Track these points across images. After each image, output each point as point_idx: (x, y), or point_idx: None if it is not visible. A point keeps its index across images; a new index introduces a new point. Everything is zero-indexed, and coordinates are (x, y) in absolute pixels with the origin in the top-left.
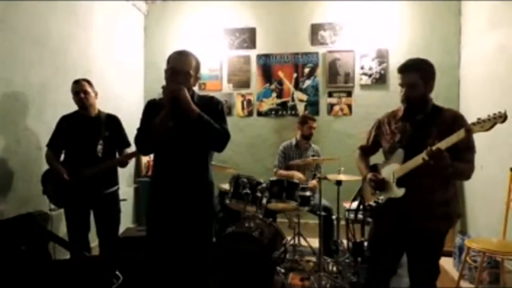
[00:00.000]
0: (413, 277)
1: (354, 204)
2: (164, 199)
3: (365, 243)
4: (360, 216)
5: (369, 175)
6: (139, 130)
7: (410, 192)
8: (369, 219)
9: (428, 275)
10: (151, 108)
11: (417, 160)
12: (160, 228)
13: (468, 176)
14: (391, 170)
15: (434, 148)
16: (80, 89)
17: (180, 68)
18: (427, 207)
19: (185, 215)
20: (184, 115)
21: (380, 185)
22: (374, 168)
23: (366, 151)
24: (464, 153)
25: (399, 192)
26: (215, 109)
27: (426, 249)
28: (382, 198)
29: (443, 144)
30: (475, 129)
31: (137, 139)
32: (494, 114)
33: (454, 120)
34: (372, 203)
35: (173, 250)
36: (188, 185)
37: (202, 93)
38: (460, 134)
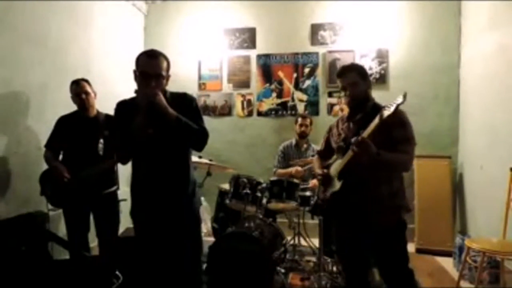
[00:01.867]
0: (384, 279)
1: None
2: (146, 203)
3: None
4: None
5: (317, 171)
6: (115, 137)
7: (356, 188)
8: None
9: (396, 275)
10: (122, 110)
11: (349, 152)
12: (147, 232)
13: (405, 167)
14: (335, 166)
15: (357, 137)
16: (81, 90)
17: (152, 71)
18: (373, 202)
19: (169, 217)
20: (161, 119)
21: (326, 180)
22: (327, 167)
23: (322, 155)
24: (400, 145)
25: (337, 185)
26: (189, 106)
27: (384, 245)
28: (327, 194)
29: (365, 133)
30: (385, 113)
31: (115, 148)
32: (397, 99)
33: (391, 116)
34: (319, 201)
35: (162, 254)
36: (170, 187)
37: (202, 93)
38: (375, 121)
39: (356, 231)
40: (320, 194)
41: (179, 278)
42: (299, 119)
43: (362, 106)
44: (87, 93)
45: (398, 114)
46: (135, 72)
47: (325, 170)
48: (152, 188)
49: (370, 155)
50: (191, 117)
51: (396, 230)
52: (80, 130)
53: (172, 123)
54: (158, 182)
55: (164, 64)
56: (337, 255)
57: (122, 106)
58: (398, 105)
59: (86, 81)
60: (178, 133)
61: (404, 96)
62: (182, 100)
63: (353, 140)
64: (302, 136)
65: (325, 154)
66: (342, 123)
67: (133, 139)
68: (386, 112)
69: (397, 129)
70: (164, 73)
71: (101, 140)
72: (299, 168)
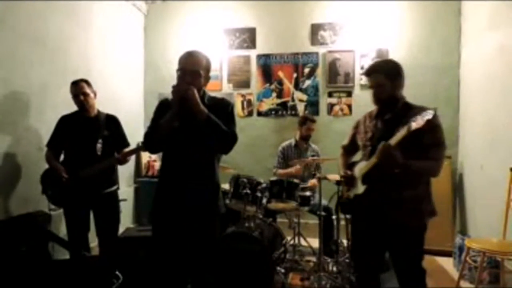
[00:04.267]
0: (398, 276)
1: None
2: (169, 199)
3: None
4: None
5: (342, 172)
6: (149, 128)
7: (380, 190)
8: (344, 216)
9: (411, 273)
10: (162, 108)
11: (374, 158)
12: (165, 228)
13: (434, 173)
14: (360, 167)
15: (384, 144)
16: (79, 91)
17: (190, 68)
18: (396, 204)
19: (190, 216)
20: (192, 115)
21: (350, 181)
22: (352, 166)
23: (347, 150)
24: (430, 150)
25: (360, 188)
26: (225, 110)
27: (402, 247)
28: (350, 194)
29: (392, 141)
30: (413, 125)
31: (146, 137)
32: (427, 113)
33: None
34: (344, 199)
35: (177, 250)
36: (194, 185)
37: None
38: (402, 132)
39: (375, 232)
40: (344, 193)
41: (189, 276)
42: (308, 123)
43: (390, 106)
44: (85, 94)
45: (429, 118)
46: (177, 71)
47: (349, 172)
48: (177, 183)
49: (395, 165)
50: (224, 120)
51: (417, 233)
52: (79, 130)
53: (201, 120)
54: (183, 177)
55: (202, 63)
56: (352, 254)
57: (163, 104)
58: (428, 120)
59: (86, 81)
60: (207, 131)
61: (435, 111)
62: (219, 103)
63: (378, 147)
64: (306, 138)
65: (350, 149)
66: (369, 120)
67: (162, 131)
68: (414, 125)
69: (428, 134)
70: (201, 71)
71: (100, 140)
72: (299, 166)
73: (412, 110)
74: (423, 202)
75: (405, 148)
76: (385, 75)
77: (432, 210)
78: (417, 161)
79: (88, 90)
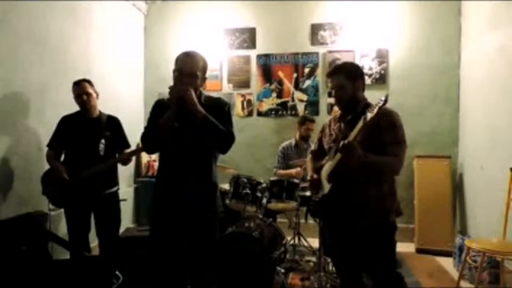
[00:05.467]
0: (372, 279)
1: None
2: (167, 199)
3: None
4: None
5: (309, 178)
6: (145, 128)
7: (345, 190)
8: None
9: (383, 276)
10: (159, 108)
11: (337, 155)
12: (163, 228)
13: (394, 170)
14: (325, 168)
15: (344, 141)
16: (81, 91)
17: (187, 69)
18: (361, 202)
19: (188, 216)
20: (189, 116)
21: (316, 185)
22: (319, 169)
23: (316, 155)
24: (389, 147)
25: (326, 188)
26: (221, 110)
27: (371, 247)
28: (318, 196)
29: (350, 137)
30: (368, 116)
31: (143, 137)
32: (379, 101)
33: (380, 116)
34: (313, 203)
35: (176, 250)
36: (191, 185)
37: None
38: (359, 124)
39: (346, 233)
40: (314, 196)
41: (186, 276)
42: (307, 123)
43: (352, 107)
44: (88, 94)
45: (388, 116)
46: (174, 71)
47: (315, 176)
48: (174, 184)
49: (356, 159)
50: (221, 120)
51: (384, 233)
52: (81, 130)
53: (199, 120)
54: (181, 177)
55: (199, 64)
56: (330, 256)
57: (159, 104)
58: (380, 107)
59: (88, 81)
60: (204, 131)
61: (386, 97)
62: (216, 103)
63: (341, 144)
64: (306, 138)
65: (319, 154)
66: (334, 123)
67: (159, 131)
68: (369, 115)
69: (387, 132)
70: (198, 73)
71: (102, 141)
72: (300, 169)
73: None
74: (387, 200)
75: (367, 145)
76: (346, 76)
77: (398, 208)
78: (377, 156)
79: (90, 90)
